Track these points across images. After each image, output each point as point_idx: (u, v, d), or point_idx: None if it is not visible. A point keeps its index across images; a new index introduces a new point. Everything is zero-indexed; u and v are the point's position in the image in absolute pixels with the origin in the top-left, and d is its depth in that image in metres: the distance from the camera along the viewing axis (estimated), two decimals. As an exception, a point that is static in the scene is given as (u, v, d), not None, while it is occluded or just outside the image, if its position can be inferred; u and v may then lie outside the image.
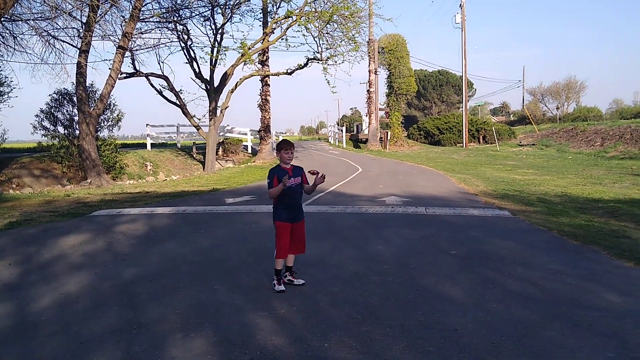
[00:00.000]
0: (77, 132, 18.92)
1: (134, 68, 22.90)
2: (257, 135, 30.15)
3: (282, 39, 23.92)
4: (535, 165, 23.46)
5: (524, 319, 4.42)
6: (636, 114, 42.25)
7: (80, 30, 18.73)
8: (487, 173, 19.38)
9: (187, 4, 23.06)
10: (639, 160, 24.28)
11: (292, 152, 5.53)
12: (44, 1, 16.60)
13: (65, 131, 19.62)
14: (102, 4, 17.44)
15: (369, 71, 39.82)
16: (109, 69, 19.31)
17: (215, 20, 24.34)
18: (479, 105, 70.11)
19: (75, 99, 18.85)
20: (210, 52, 23.84)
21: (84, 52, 18.24)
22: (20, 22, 17.91)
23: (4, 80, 20.38)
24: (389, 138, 40.13)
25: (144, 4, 20.09)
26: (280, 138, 29.46)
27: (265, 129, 28.59)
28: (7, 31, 17.99)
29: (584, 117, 45.69)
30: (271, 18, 25.13)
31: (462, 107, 45.40)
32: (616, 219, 9.21)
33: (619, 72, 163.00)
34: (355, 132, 50.78)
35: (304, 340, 4.03)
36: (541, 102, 62.98)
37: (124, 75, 22.30)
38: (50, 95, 19.54)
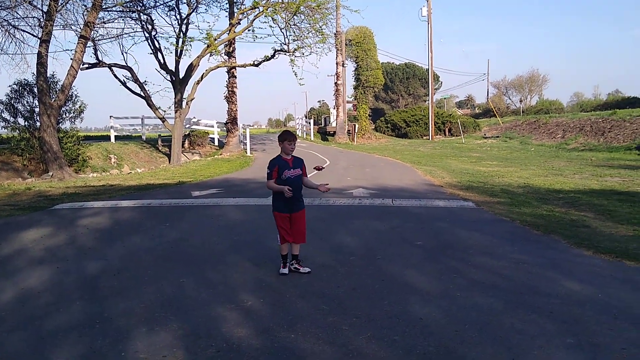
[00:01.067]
0: (38, 123, 18.42)
1: (97, 58, 22.40)
2: (224, 128, 29.85)
3: (249, 30, 23.72)
4: (499, 157, 23.89)
5: (487, 307, 4.51)
6: (596, 107, 43.36)
7: (41, 20, 18.20)
8: (453, 165, 19.65)
9: (151, -7, 22.67)
10: (599, 152, 24.96)
11: (294, 143, 5.61)
12: (3, -11, 16.11)
13: (26, 123, 19.11)
14: (63, -8, 17.01)
15: (337, 63, 39.84)
16: (71, 59, 18.83)
17: (180, 10, 24.00)
18: (445, 98, 70.95)
19: (35, 89, 18.34)
20: (175, 42, 23.47)
21: (44, 41, 17.75)
22: (-22, 12, 17.35)
23: (-40, 71, 19.72)
24: (356, 131, 40.26)
25: (106, -8, 19.66)
26: (248, 131, 29.38)
27: (232, 121, 28.33)
28: (-35, 21, 17.41)
29: (546, 110, 46.71)
30: (237, 9, 24.86)
31: (428, 100, 45.84)
32: (576, 209, 9.46)
33: (580, 66, 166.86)
34: (323, 125, 50.78)
35: (270, 332, 4.03)
36: (505, 95, 64.37)
37: (86, 65, 21.79)
38: (9, 86, 19.02)
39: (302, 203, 5.72)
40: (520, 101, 58.54)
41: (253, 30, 23.63)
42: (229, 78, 28.12)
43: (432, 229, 7.95)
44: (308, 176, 5.79)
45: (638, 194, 11.04)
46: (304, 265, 5.74)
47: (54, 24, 18.15)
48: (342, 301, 4.74)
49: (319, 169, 6.00)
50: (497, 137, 37.21)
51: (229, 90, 28.18)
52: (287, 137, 5.56)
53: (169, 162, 23.93)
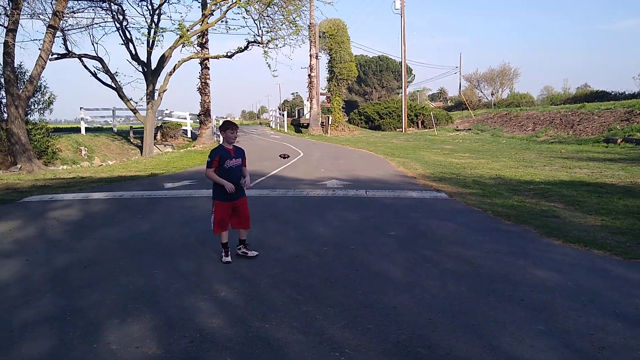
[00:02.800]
0: (5, 115, 18.01)
1: (66, 49, 21.93)
2: (197, 120, 29.59)
3: (222, 21, 23.51)
4: (471, 149, 24.14)
5: (460, 295, 4.57)
6: (565, 100, 44.11)
7: (7, 8, 17.78)
8: (425, 157, 19.80)
9: (121, -17, 22.22)
10: (568, 144, 25.40)
11: (236, 132, 5.72)
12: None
13: (-7, 114, 18.68)
14: (30, -21, 16.60)
15: (310, 55, 39.73)
16: (39, 49, 18.40)
17: (152, 0, 23.60)
18: (418, 91, 71.40)
19: (2, 80, 17.93)
20: (147, 33, 23.07)
21: (11, 31, 17.33)
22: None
23: None
24: (330, 123, 40.27)
25: (75, -19, 19.25)
26: (221, 122, 29.16)
27: (205, 113, 28.10)
28: None
29: (517, 103, 47.40)
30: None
31: (401, 93, 46.07)
32: (546, 199, 9.62)
33: (549, 60, 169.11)
34: (296, 117, 50.67)
35: (244, 322, 4.02)
36: (477, 88, 64.90)
37: (55, 56, 21.34)
38: (-25, 76, 18.51)
39: (243, 191, 5.87)
40: (492, 94, 59.23)
41: (226, 22, 23.46)
42: (202, 69, 27.86)
43: (406, 220, 8.01)
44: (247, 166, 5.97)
45: (606, 185, 11.28)
46: (251, 249, 5.89)
47: (21, 13, 17.75)
48: (316, 291, 4.75)
49: (284, 157, 6.06)
50: (469, 129, 37.62)
51: (201, 82, 27.93)
52: (229, 127, 5.68)
53: (141, 154, 23.62)
